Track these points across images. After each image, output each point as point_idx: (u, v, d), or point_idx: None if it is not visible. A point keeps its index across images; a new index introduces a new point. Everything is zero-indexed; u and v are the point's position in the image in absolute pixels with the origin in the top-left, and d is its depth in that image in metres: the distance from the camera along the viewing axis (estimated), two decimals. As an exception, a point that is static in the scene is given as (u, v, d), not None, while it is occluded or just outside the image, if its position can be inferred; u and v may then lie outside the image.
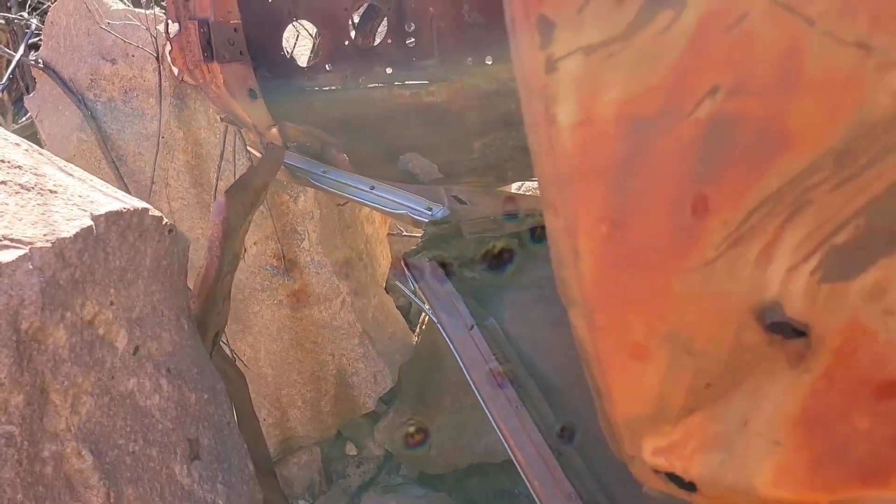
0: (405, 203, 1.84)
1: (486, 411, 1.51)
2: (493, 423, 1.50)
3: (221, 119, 2.44)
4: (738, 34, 0.54)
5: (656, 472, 0.88)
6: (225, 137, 2.61)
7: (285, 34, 2.77)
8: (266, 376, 3.11)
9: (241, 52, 2.13)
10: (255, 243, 2.90)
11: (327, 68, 2.77)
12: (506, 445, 1.49)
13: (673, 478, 0.88)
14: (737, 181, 0.61)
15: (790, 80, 0.54)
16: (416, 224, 1.82)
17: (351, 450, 3.54)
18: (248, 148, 2.48)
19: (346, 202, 2.86)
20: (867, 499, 0.71)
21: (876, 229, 0.59)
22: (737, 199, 0.62)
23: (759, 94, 0.56)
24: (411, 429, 3.34)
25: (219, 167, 2.65)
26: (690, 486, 0.86)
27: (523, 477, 1.46)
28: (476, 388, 1.54)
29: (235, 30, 2.12)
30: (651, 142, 0.61)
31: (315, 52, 3.02)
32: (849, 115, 0.54)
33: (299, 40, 2.99)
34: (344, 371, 3.16)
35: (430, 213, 1.77)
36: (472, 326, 1.60)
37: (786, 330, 0.67)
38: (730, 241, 0.64)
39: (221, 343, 2.39)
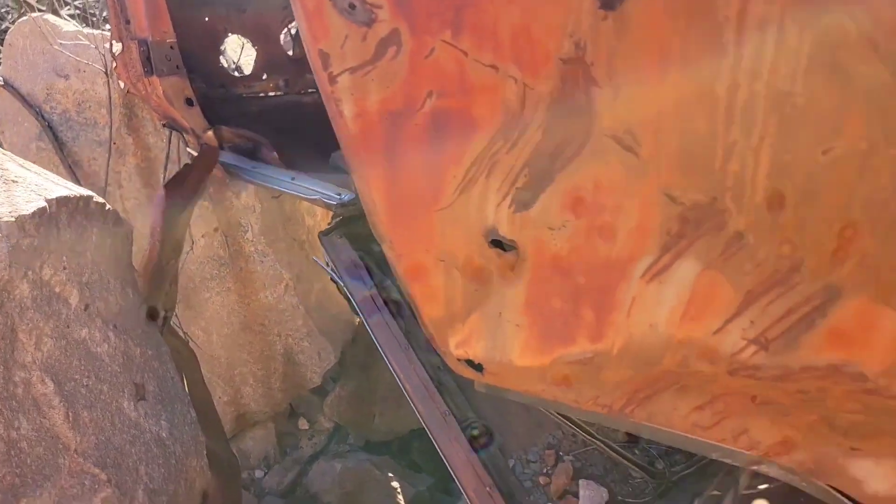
0: (319, 190, 2.18)
1: (382, 353, 1.87)
2: (387, 362, 1.86)
3: (164, 125, 2.76)
4: (432, 60, 0.90)
5: (460, 360, 1.24)
6: (170, 142, 2.93)
7: (233, 47, 3.11)
8: (219, 357, 3.43)
9: (177, 66, 2.45)
10: (202, 236, 3.22)
11: (263, 77, 3.11)
12: (397, 378, 1.84)
13: (471, 364, 1.24)
14: (453, 151, 0.97)
15: (464, 87, 0.90)
16: (328, 207, 2.16)
17: (303, 424, 3.87)
18: (188, 150, 2.80)
19: (280, 195, 3.20)
20: (568, 354, 1.07)
21: (534, 176, 0.95)
22: (457, 162, 0.98)
23: (452, 96, 0.92)
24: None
25: (165, 168, 2.96)
26: (480, 368, 1.23)
27: (409, 401, 1.82)
28: (374, 336, 1.90)
29: (171, 47, 2.44)
30: (402, 127, 0.97)
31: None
32: (500, 107, 0.90)
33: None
34: (291, 350, 3.49)
35: (339, 197, 2.11)
36: (372, 287, 1.95)
37: (505, 246, 1.04)
38: (459, 189, 1.00)
39: (174, 325, 2.72)
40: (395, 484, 3.38)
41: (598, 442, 1.72)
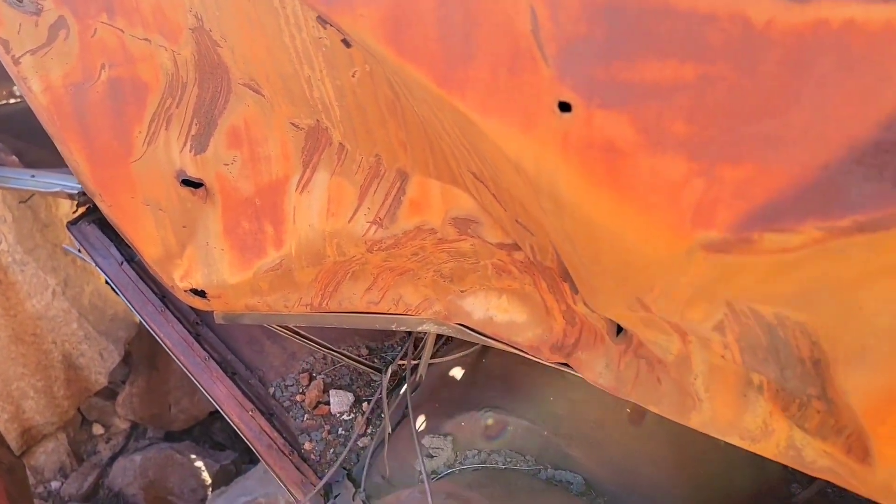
0: (60, 182, 2.27)
1: (141, 319, 2.04)
2: (147, 325, 2.04)
3: None
4: (97, 38, 1.13)
5: (186, 291, 1.49)
6: None
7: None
8: (-9, 376, 3.32)
9: None
10: (-51, 253, 3.10)
11: (-8, 84, 3.06)
12: (158, 338, 2.03)
13: (196, 292, 1.49)
14: (133, 111, 1.21)
15: (129, 58, 1.14)
16: (71, 197, 2.26)
17: (98, 429, 3.84)
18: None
19: (30, 198, 3.17)
20: (264, 264, 1.35)
21: (202, 123, 1.22)
22: (138, 119, 1.22)
23: (120, 65, 1.16)
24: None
25: None
26: (204, 294, 1.48)
27: (173, 357, 2.02)
28: (132, 305, 2.06)
29: None
30: (86, 95, 1.19)
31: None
32: (160, 71, 1.16)
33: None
34: (69, 355, 3.46)
35: (80, 186, 2.22)
36: (123, 262, 2.11)
37: (195, 184, 1.30)
38: (146, 142, 1.24)
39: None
40: (198, 464, 3.50)
41: (342, 357, 2.04)
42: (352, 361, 1.99)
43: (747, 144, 0.53)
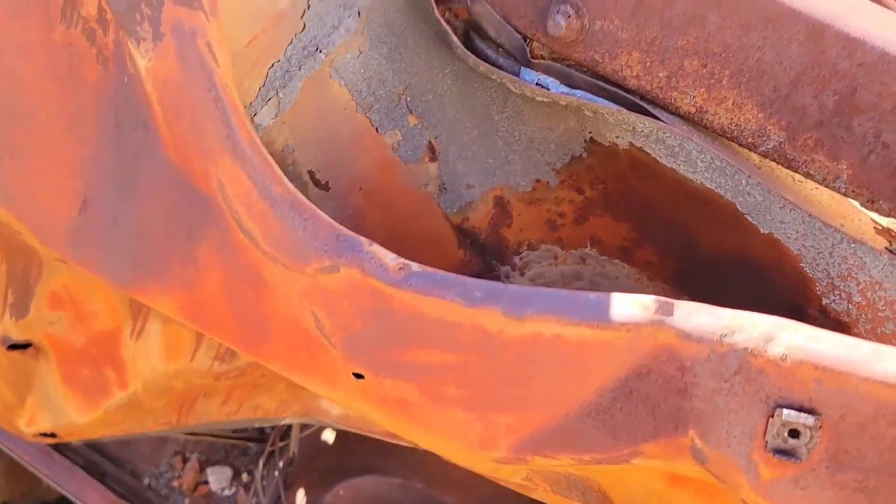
0: None
1: None
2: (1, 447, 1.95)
3: None
4: None
5: (34, 435, 1.46)
6: None
7: None
8: None
9: None
10: None
11: None
12: (14, 456, 1.96)
13: (46, 434, 1.46)
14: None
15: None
16: None
17: None
18: None
19: None
20: (112, 403, 1.36)
21: (19, 293, 1.19)
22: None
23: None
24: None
25: None
26: (54, 435, 1.46)
27: (33, 469, 1.96)
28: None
29: None
30: None
31: None
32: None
33: None
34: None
35: None
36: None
37: (23, 346, 1.27)
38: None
39: None
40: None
41: (215, 437, 2.06)
42: (225, 439, 2.02)
43: (508, 402, 0.65)
